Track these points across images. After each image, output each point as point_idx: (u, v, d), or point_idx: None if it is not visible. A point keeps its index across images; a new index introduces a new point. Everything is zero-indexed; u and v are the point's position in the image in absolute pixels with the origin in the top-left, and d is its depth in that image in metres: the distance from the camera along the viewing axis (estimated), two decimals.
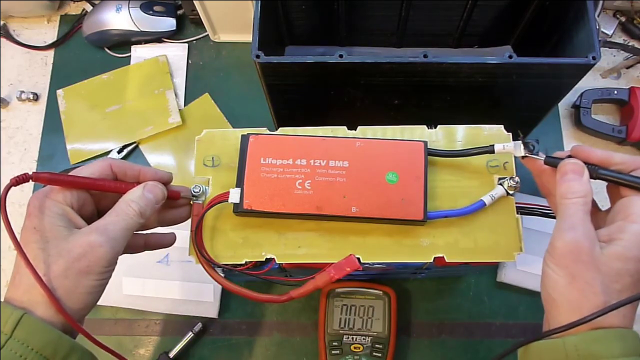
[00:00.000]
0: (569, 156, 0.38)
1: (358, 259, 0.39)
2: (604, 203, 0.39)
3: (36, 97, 0.74)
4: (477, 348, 0.61)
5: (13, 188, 0.34)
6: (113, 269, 0.36)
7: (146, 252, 0.44)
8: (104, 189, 0.38)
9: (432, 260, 0.40)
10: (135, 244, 0.42)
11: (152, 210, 0.38)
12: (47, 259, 0.33)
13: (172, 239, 0.45)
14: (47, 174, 0.35)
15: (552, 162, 0.38)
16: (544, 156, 0.39)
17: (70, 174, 0.37)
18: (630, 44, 0.72)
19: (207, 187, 0.42)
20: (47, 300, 0.33)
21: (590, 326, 0.32)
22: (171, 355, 0.59)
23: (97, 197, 0.39)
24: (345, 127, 0.44)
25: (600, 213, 0.39)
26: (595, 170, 0.36)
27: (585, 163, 0.37)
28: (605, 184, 0.38)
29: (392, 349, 0.57)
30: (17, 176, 0.34)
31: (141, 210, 0.37)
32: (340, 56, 0.45)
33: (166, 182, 0.41)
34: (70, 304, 0.34)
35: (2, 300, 0.34)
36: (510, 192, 0.41)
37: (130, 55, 0.76)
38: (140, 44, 0.76)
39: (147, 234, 0.43)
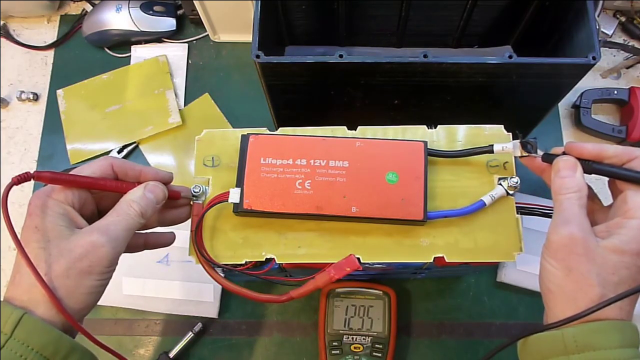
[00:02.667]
0: (564, 153, 0.38)
1: (358, 259, 0.39)
2: (609, 200, 0.39)
3: (36, 97, 0.74)
4: (477, 348, 0.61)
5: (13, 187, 0.34)
6: (114, 269, 0.36)
7: (146, 252, 0.44)
8: (105, 188, 0.38)
9: (432, 260, 0.40)
10: (135, 243, 0.42)
11: (153, 211, 0.38)
12: (48, 259, 0.33)
13: (172, 238, 0.45)
14: (49, 173, 0.35)
15: (549, 160, 0.38)
16: (542, 153, 0.39)
17: (71, 173, 0.37)
18: (630, 44, 0.72)
19: (207, 187, 0.42)
20: (48, 299, 0.32)
21: (586, 318, 0.32)
22: (171, 355, 0.59)
23: (97, 197, 0.39)
24: (345, 127, 0.44)
25: (604, 208, 0.39)
26: (590, 165, 0.36)
27: (581, 159, 0.37)
28: (606, 181, 0.38)
29: (392, 349, 0.57)
30: (19, 175, 0.34)
31: (142, 211, 0.37)
32: (340, 56, 0.45)
33: (167, 182, 0.41)
34: (71, 304, 0.33)
35: (2, 299, 0.34)
36: (510, 192, 0.41)
37: (130, 55, 0.76)
38: (140, 44, 0.76)
39: (146, 233, 0.43)
